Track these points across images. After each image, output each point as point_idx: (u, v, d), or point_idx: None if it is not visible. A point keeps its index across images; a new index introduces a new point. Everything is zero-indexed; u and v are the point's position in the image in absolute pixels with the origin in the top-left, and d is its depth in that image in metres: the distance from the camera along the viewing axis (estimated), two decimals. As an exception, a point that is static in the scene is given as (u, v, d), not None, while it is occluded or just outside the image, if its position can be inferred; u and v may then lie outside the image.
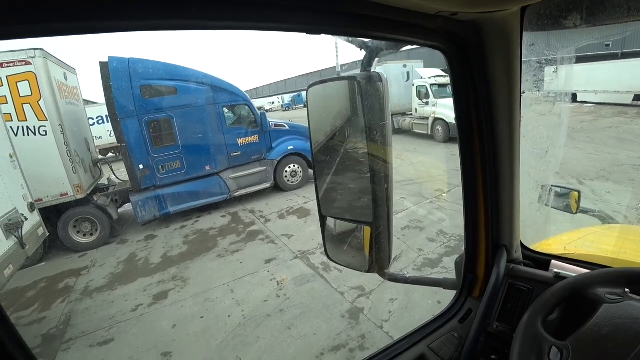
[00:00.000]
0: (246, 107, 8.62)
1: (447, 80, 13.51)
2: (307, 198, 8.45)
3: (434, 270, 4.69)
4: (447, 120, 12.51)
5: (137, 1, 0.41)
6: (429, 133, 13.55)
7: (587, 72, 15.08)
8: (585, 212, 2.07)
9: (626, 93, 14.86)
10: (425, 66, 16.43)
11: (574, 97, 17.17)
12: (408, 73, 15.95)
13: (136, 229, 7.90)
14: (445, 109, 12.58)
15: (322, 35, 0.60)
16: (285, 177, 9.17)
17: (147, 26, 0.44)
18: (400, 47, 0.82)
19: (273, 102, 47.20)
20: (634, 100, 14.75)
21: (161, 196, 7.74)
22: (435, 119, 13.16)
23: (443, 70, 15.22)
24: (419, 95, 14.08)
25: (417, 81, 14.47)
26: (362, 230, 0.90)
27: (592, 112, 15.18)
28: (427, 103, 13.66)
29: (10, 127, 5.75)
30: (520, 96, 0.89)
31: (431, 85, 13.68)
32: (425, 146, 12.67)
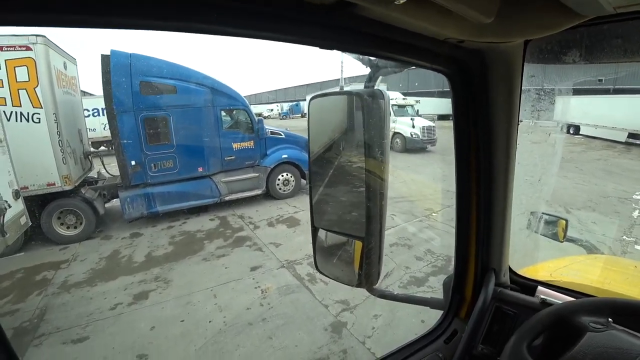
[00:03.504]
0: (244, 112, 8.64)
1: (405, 102, 16.76)
2: (297, 207, 8.42)
3: (420, 288, 4.69)
4: (404, 135, 15.00)
5: (162, 2, 0.42)
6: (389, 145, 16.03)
7: (588, 105, 15.45)
8: (571, 240, 2.10)
9: (621, 130, 15.11)
10: (388, 89, 18.64)
11: (577, 130, 17.57)
12: (372, 94, 18.49)
13: (122, 226, 7.77)
14: (403, 125, 15.02)
15: (334, 50, 0.61)
16: (278, 185, 9.14)
17: (165, 26, 0.44)
18: (405, 67, 0.84)
19: (272, 110, 47.44)
20: (628, 137, 14.97)
21: (151, 194, 7.64)
22: (395, 133, 15.29)
23: (403, 94, 18.57)
24: None
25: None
26: (353, 244, 0.90)
27: (582, 144, 15.57)
28: None
29: (4, 111, 5.68)
30: (518, 124, 0.92)
31: (392, 105, 15.97)
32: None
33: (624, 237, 5.69)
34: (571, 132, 17.70)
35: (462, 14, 0.54)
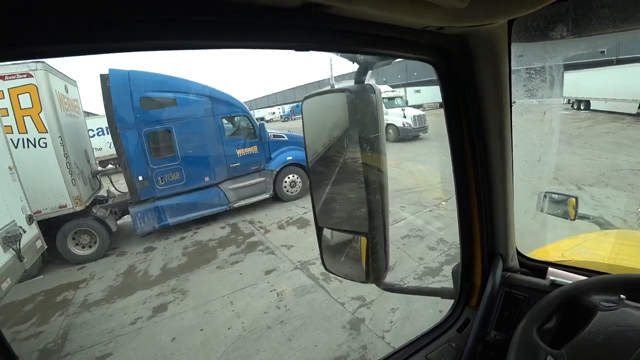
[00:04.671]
0: (245, 118, 8.68)
1: (394, 94, 17.58)
2: (306, 208, 8.43)
3: (435, 279, 4.66)
4: (397, 125, 15.74)
5: (139, 24, 0.42)
6: None
7: (595, 79, 14.94)
8: (583, 218, 2.07)
9: (631, 102, 14.35)
10: (377, 83, 21.11)
11: (587, 105, 17.08)
12: (361, 88, 19.80)
13: (135, 241, 7.87)
14: (395, 116, 15.88)
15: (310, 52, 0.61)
16: (285, 187, 9.17)
17: (146, 46, 0.45)
18: (392, 59, 0.83)
19: (274, 113, 47.69)
20: (639, 108, 14.15)
21: (160, 208, 7.73)
22: (387, 125, 15.81)
23: (403, 85, 19.44)
24: None
25: None
26: (359, 240, 0.90)
27: (589, 118, 15.29)
28: None
29: (11, 139, 5.79)
30: (511, 106, 0.90)
31: (382, 98, 17.75)
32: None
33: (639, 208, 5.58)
34: (582, 107, 17.21)
35: (434, 1, 0.53)
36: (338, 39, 0.61)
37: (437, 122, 16.78)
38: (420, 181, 9.05)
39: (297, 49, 0.59)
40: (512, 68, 0.86)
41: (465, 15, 0.63)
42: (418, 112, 16.30)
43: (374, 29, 0.63)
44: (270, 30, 0.52)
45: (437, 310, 3.86)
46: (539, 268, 1.14)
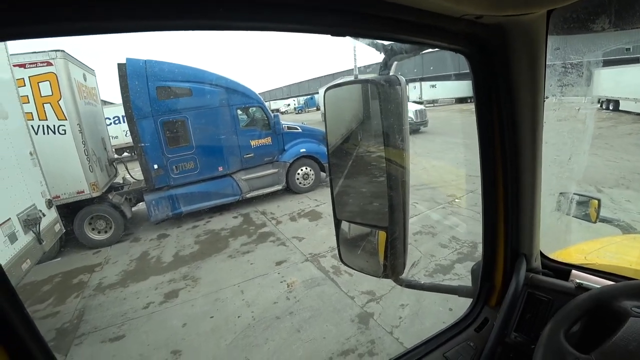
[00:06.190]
0: (259, 109, 8.70)
1: None
2: (318, 201, 8.44)
3: (446, 277, 4.62)
4: None
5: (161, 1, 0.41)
6: None
7: (626, 77, 14.26)
8: (605, 221, 2.00)
9: None
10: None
11: (616, 105, 16.35)
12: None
13: (149, 228, 8.03)
14: None
15: (346, 38, 0.60)
16: (297, 179, 9.19)
17: (171, 26, 0.44)
18: (420, 50, 0.81)
19: (289, 105, 47.87)
20: None
21: (174, 196, 7.85)
22: None
23: (419, 80, 19.24)
24: None
25: None
26: (377, 234, 0.88)
27: (611, 118, 14.80)
28: None
29: (31, 125, 5.92)
30: (544, 101, 0.87)
31: None
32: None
33: (663, 214, 5.39)
34: (611, 107, 16.46)
35: None
36: (376, 24, 0.59)
37: (448, 117, 16.70)
38: (433, 177, 8.95)
39: (334, 34, 0.57)
40: (547, 62, 0.83)
41: (505, 3, 0.61)
42: (420, 107, 17.04)
43: (414, 16, 0.61)
44: (311, 12, 0.51)
45: (446, 308, 3.83)
46: (562, 270, 1.11)
